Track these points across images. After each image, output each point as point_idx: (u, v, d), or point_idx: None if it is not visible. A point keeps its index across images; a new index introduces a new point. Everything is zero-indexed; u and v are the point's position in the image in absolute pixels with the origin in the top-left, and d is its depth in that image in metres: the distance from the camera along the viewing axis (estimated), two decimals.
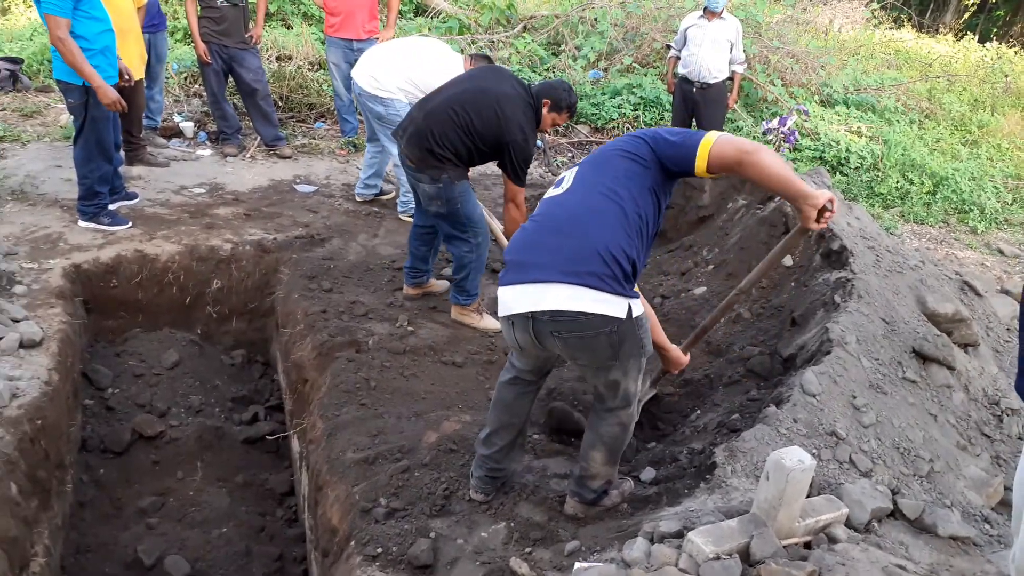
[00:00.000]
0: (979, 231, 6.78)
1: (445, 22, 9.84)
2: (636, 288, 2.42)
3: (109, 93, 4.30)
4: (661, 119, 8.22)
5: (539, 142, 7.67)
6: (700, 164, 2.28)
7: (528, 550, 2.52)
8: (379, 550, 2.53)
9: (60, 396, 3.33)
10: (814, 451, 2.68)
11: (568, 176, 2.52)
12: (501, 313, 2.48)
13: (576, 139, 7.98)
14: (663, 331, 2.94)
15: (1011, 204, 7.47)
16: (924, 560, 2.39)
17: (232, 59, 6.11)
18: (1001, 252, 6.30)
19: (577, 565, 2.22)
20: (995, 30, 16.94)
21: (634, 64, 9.12)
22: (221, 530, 3.54)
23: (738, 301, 3.12)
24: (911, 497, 2.64)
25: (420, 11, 10.55)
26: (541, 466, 2.99)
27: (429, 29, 9.42)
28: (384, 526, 2.64)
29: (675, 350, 3.00)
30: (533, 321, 2.36)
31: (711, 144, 2.27)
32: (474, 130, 3.55)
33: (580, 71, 8.80)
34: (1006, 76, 11.49)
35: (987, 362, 3.51)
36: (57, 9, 4.00)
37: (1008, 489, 2.87)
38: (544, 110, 3.63)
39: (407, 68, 4.60)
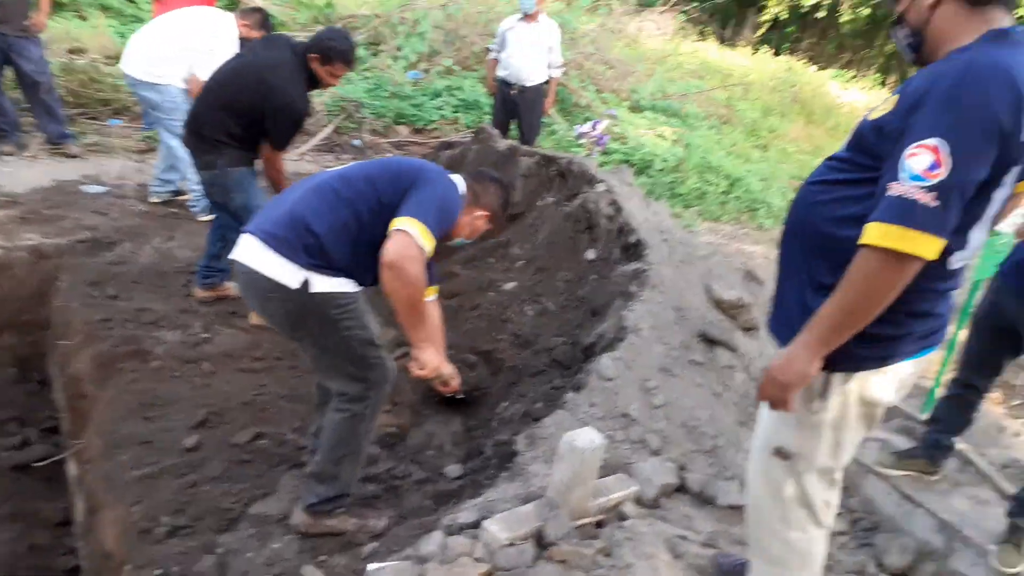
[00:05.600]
0: (766, 227, 7.39)
1: None
2: (341, 274, 2.31)
3: None
4: (480, 121, 8.30)
5: (357, 142, 7.52)
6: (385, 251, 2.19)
7: (323, 558, 2.41)
8: (158, 572, 2.32)
9: None
10: (609, 433, 2.76)
11: None
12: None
13: (396, 139, 7.88)
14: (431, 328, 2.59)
15: None
16: (706, 529, 2.53)
17: (10, 48, 5.47)
18: None
19: (369, 567, 2.14)
20: (787, 45, 18.65)
21: (454, 66, 9.16)
22: None
23: None
24: (696, 472, 2.79)
25: (232, 5, 10.05)
26: None
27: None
28: (165, 546, 2.43)
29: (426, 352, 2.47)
30: (235, 269, 2.36)
31: (394, 228, 2.19)
32: (240, 106, 3.44)
33: (400, 72, 8.72)
34: (793, 86, 12.67)
35: (766, 344, 3.80)
36: None
37: None
38: (315, 66, 3.50)
39: (180, 47, 4.40)
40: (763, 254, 6.50)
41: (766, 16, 16.71)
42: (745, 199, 7.76)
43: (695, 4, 15.77)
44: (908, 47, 1.72)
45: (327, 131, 7.44)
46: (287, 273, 2.23)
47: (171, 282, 4.24)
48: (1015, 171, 1.57)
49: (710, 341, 3.42)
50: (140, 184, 5.59)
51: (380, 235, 2.23)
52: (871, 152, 1.62)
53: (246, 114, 3.46)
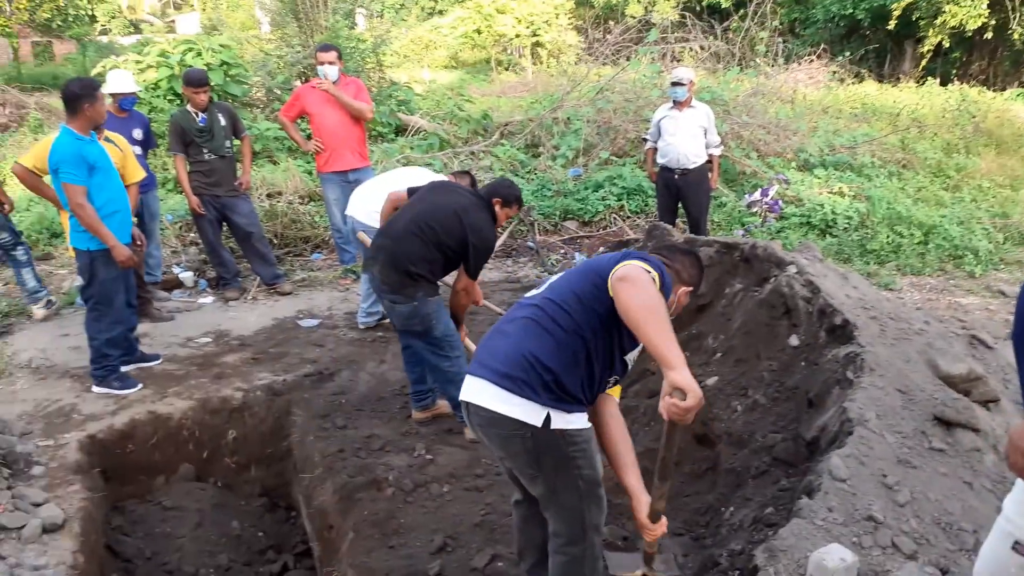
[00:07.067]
0: (977, 275, 6.82)
1: (425, 139, 10.19)
2: (576, 404, 2.37)
3: (122, 250, 4.45)
4: (646, 205, 8.40)
5: (531, 243, 7.83)
6: (611, 290, 2.23)
7: None
8: None
9: None
10: (855, 539, 2.62)
11: (549, 281, 2.57)
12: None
13: (567, 236, 8.13)
14: (636, 471, 2.51)
15: (1004, 243, 7.54)
16: None
17: (224, 207, 6.30)
18: (1003, 294, 6.30)
19: None
20: (955, 71, 17.49)
21: (611, 157, 9.38)
22: None
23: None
24: (961, 575, 2.57)
25: (400, 131, 10.94)
26: None
27: (411, 148, 9.74)
28: None
29: (642, 500, 2.49)
30: (468, 409, 2.44)
31: (616, 271, 2.22)
32: (442, 242, 3.84)
33: (560, 170, 9.05)
34: (973, 117, 11.76)
35: (1011, 416, 3.48)
36: (73, 178, 4.32)
37: None
38: (497, 208, 4.01)
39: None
40: (981, 306, 5.99)
41: (927, 46, 15.78)
42: (946, 247, 7.23)
43: (846, 53, 15.22)
44: None
45: (503, 238, 7.82)
46: (530, 412, 2.31)
47: (389, 406, 4.57)
48: None
49: (947, 424, 3.18)
50: (347, 313, 6.12)
51: (607, 351, 2.38)
52: None
53: (448, 249, 3.86)
